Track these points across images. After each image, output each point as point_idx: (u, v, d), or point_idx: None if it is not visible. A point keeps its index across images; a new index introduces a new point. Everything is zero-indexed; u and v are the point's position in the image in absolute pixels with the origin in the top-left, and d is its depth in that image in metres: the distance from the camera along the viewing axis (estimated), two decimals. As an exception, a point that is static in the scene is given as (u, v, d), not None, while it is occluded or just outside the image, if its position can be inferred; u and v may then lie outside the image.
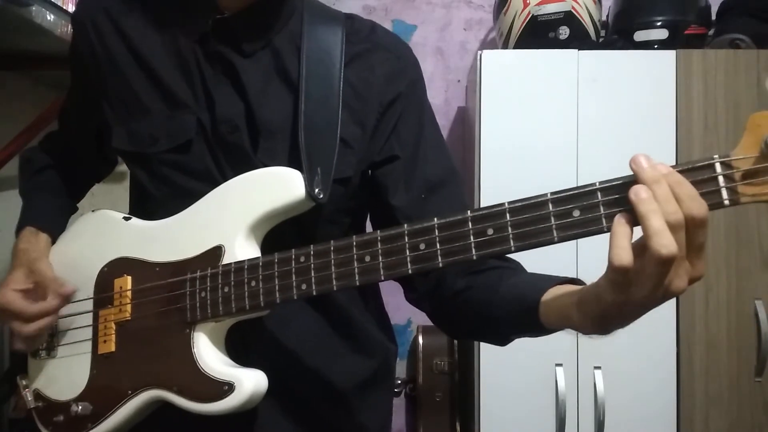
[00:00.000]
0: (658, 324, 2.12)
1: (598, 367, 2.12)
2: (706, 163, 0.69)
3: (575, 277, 0.89)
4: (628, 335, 2.16)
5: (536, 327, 0.88)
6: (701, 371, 2.11)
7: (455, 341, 2.49)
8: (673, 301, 2.10)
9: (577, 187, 0.73)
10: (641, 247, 0.69)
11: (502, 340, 1.00)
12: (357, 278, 0.84)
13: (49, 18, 1.58)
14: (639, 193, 0.69)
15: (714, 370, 2.11)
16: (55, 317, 1.05)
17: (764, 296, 2.09)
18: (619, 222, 0.70)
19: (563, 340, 2.09)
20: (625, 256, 0.69)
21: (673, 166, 0.71)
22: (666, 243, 0.67)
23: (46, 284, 1.04)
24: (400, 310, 1.17)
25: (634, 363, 2.12)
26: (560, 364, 2.13)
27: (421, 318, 2.66)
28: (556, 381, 2.11)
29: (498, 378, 2.15)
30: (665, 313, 2.11)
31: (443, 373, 2.47)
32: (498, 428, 2.15)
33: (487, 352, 2.16)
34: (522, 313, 0.89)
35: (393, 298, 1.16)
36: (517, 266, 1.00)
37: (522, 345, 2.05)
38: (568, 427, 2.11)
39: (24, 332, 1.04)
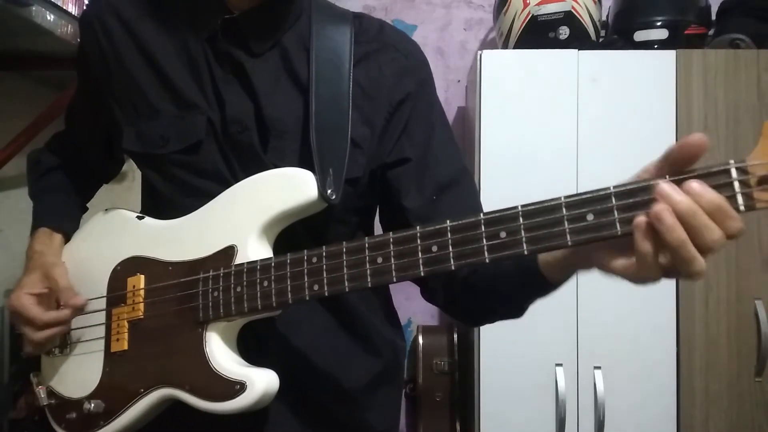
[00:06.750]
0: (658, 324, 2.13)
1: (598, 367, 2.12)
2: (722, 168, 0.69)
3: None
4: (628, 335, 2.16)
5: (544, 285, 0.88)
6: (701, 371, 2.12)
7: (455, 341, 2.50)
8: (673, 301, 2.11)
9: (591, 191, 0.73)
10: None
11: (517, 310, 1.00)
12: (369, 280, 0.84)
13: (49, 18, 1.57)
14: (664, 220, 0.67)
15: (714, 370, 2.12)
16: (66, 327, 1.06)
17: (764, 296, 2.10)
18: (643, 241, 0.69)
19: (563, 340, 2.10)
20: (653, 277, 0.71)
21: (689, 171, 0.70)
22: (699, 269, 0.68)
23: (59, 294, 1.04)
24: (400, 310, 1.16)
25: (634, 363, 2.13)
26: (560, 364, 2.13)
27: (421, 318, 2.68)
28: (556, 381, 2.12)
29: (498, 378, 2.16)
30: (665, 313, 2.12)
31: (443, 373, 2.47)
32: (498, 428, 2.16)
33: (487, 352, 2.16)
34: (526, 276, 0.89)
35: (393, 298, 1.16)
36: None
37: (522, 345, 2.10)
38: (568, 428, 2.11)
39: (34, 339, 1.04)
